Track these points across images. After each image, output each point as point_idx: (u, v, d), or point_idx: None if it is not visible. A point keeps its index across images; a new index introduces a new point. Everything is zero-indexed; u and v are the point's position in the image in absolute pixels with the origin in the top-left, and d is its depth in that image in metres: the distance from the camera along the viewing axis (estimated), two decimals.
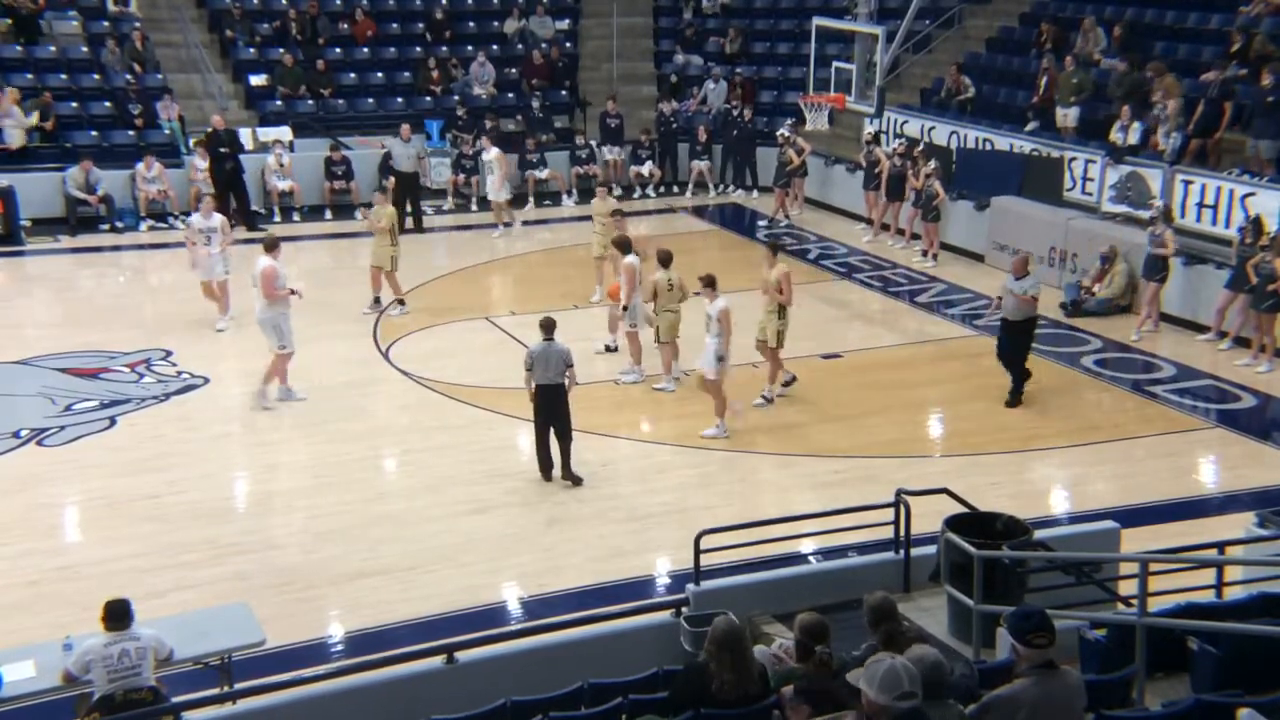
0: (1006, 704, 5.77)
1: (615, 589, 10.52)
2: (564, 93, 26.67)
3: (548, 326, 12.47)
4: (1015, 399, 14.48)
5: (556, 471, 12.51)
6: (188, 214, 22.22)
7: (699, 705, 6.63)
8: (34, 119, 22.12)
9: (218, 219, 17.17)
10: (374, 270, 17.56)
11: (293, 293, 14.58)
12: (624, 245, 15.37)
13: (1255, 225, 16.08)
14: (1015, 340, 14.42)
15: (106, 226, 21.65)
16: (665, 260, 14.93)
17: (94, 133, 22.91)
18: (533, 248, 21.91)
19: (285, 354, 14.35)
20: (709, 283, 13.82)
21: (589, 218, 17.85)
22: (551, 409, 12.39)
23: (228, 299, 16.98)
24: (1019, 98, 22.48)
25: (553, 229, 22.95)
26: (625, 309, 15.10)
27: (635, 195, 24.77)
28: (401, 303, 17.68)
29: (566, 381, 12.36)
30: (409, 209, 22.38)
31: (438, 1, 27.33)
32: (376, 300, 17.68)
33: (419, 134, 23.96)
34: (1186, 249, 17.32)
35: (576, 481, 12.45)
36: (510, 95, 26.00)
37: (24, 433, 13.63)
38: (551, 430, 12.45)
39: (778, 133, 23.64)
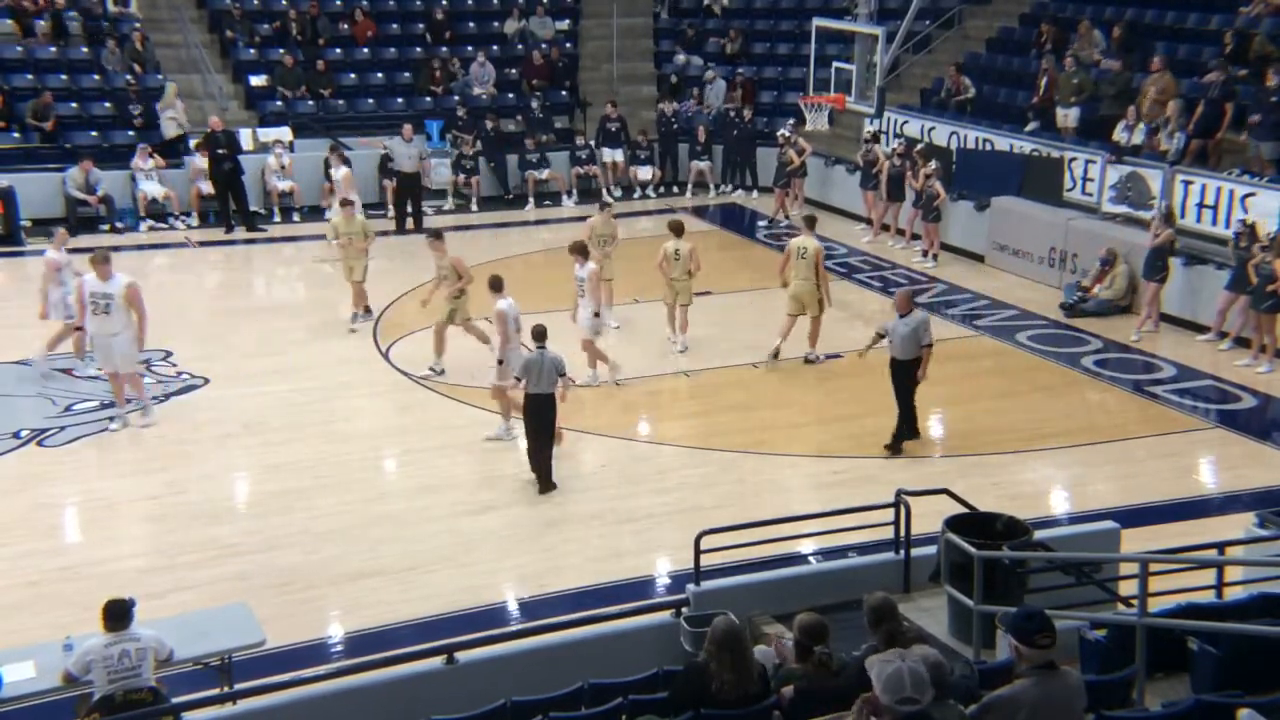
0: (1007, 704, 5.77)
1: (615, 589, 10.52)
2: (564, 93, 26.67)
3: (540, 335, 12.33)
4: (897, 442, 13.20)
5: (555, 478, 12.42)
6: (187, 214, 22.40)
7: (699, 705, 6.63)
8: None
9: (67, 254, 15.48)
10: (358, 285, 17.15)
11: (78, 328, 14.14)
12: (584, 251, 15.04)
13: (1251, 231, 16.09)
14: (901, 380, 13.19)
15: (106, 227, 21.66)
16: (678, 230, 15.98)
17: (94, 133, 22.91)
18: (533, 248, 21.92)
19: (115, 374, 13.70)
20: (495, 286, 13.55)
21: (589, 218, 17.78)
22: (544, 418, 12.24)
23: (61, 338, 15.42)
24: (1019, 98, 22.47)
25: (553, 229, 22.95)
26: (597, 314, 14.93)
27: (635, 196, 24.77)
28: (368, 311, 17.39)
29: (559, 390, 12.22)
30: (409, 209, 22.43)
31: (438, 2, 27.33)
32: (367, 310, 17.42)
33: (419, 134, 24.00)
34: (1187, 249, 17.32)
35: (551, 487, 12.33)
36: (510, 95, 26.00)
37: (24, 433, 13.63)
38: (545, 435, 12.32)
39: (778, 133, 23.66)
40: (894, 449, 13.18)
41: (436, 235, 15.85)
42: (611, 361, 15.17)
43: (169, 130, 22.94)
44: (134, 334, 13.60)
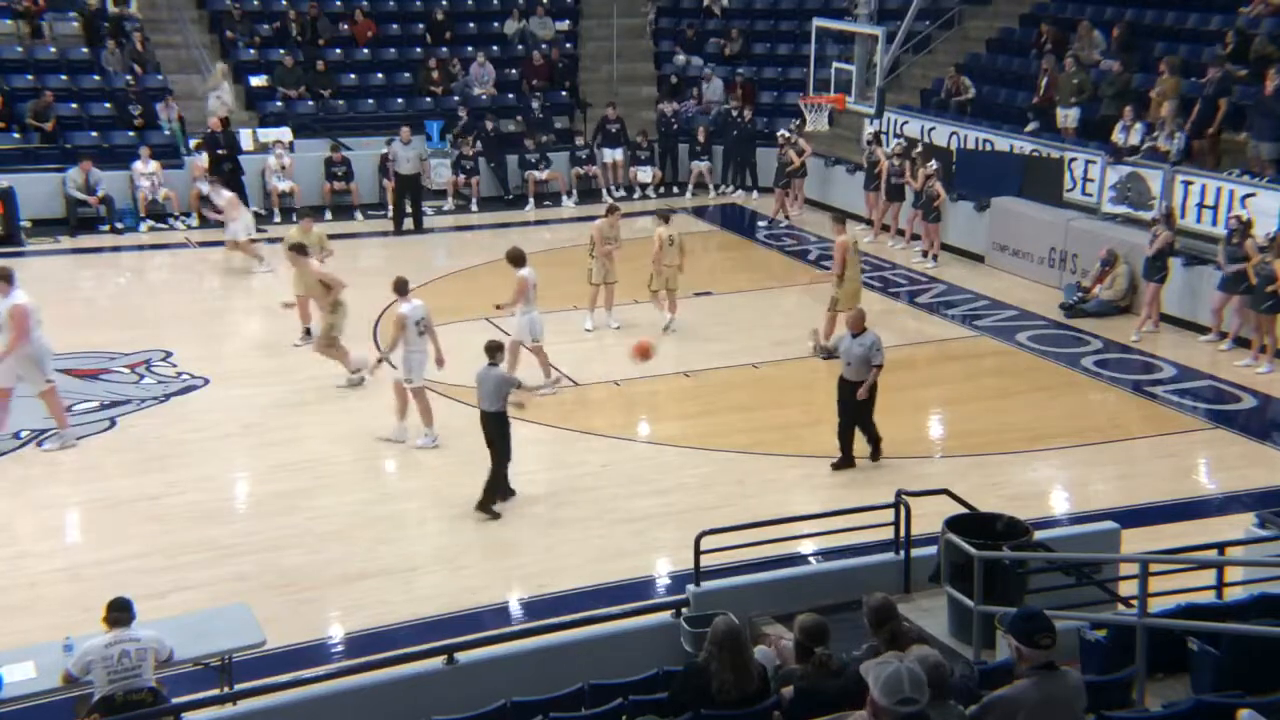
0: (1007, 705, 5.76)
1: (615, 590, 10.51)
2: (564, 93, 26.67)
3: (491, 350, 11.86)
4: (876, 453, 12.90)
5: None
6: (188, 215, 22.40)
7: (699, 706, 6.63)
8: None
9: None
10: (303, 300, 16.10)
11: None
12: (519, 259, 14.67)
13: (1244, 227, 16.08)
14: (854, 402, 12.62)
15: (106, 227, 21.67)
16: (667, 217, 16.86)
17: (94, 133, 22.92)
18: (533, 248, 21.83)
19: (52, 387, 13.19)
20: (400, 289, 13.46)
21: (589, 218, 17.73)
22: (487, 435, 11.81)
23: None
24: (1019, 98, 22.49)
25: (553, 229, 22.97)
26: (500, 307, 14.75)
27: (635, 196, 24.77)
28: (309, 330, 16.28)
29: (507, 407, 11.70)
30: (409, 210, 22.40)
31: (438, 2, 27.33)
32: (308, 331, 16.28)
33: (418, 135, 24.05)
34: (1187, 249, 17.32)
35: (488, 509, 11.80)
36: (510, 96, 26.00)
37: (24, 434, 13.63)
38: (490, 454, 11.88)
39: (779, 134, 23.66)
40: (875, 456, 12.90)
41: (300, 250, 15.21)
42: (525, 382, 14.88)
43: (217, 111, 23.21)
44: (16, 354, 12.91)
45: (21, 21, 24.17)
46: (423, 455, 13.27)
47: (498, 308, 14.97)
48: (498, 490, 11.89)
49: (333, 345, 14.88)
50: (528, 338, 14.67)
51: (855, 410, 12.64)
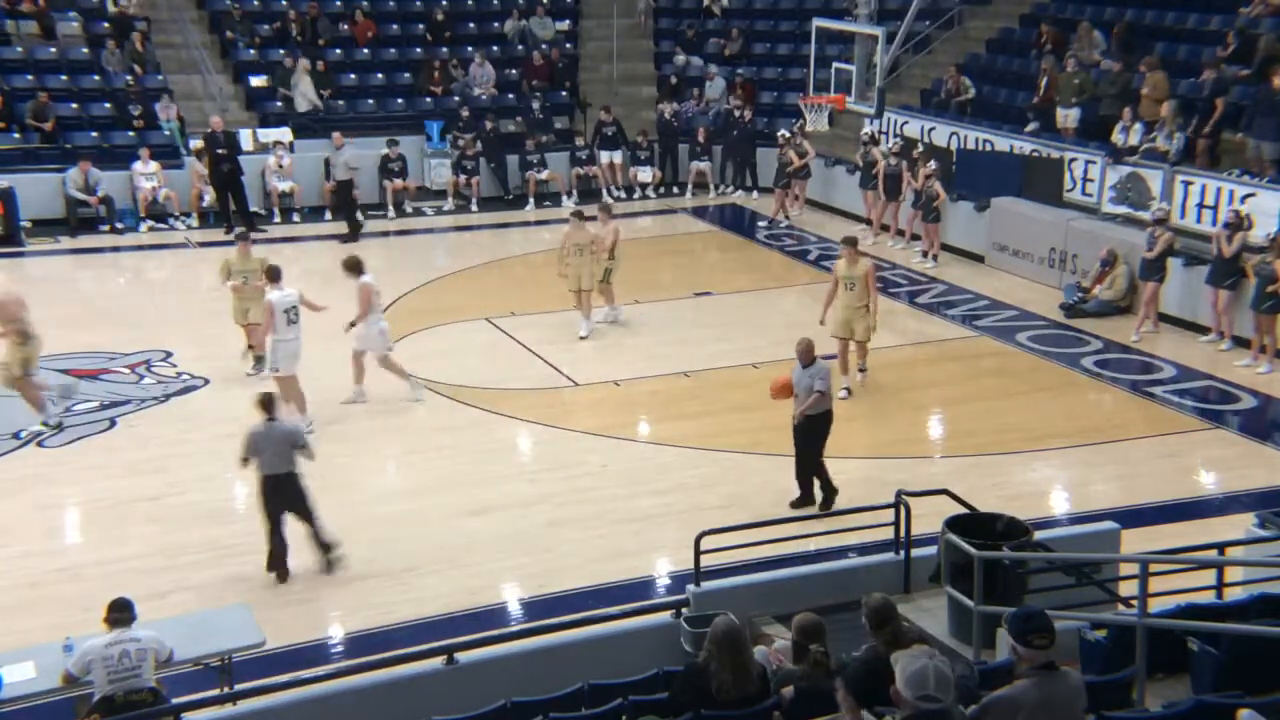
0: (1006, 705, 5.76)
1: (615, 590, 10.52)
2: (564, 94, 26.67)
3: (267, 404, 10.63)
4: (828, 499, 11.89)
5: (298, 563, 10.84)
6: (188, 215, 22.39)
7: (699, 706, 6.63)
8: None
9: None
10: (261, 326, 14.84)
11: None
12: (356, 267, 14.38)
13: (1241, 221, 16.07)
14: (806, 437, 11.85)
15: (106, 227, 21.66)
16: (610, 211, 17.51)
17: (94, 134, 22.91)
18: (533, 248, 21.91)
19: None
20: (272, 276, 13.36)
21: (589, 219, 17.71)
22: (285, 499, 10.57)
23: None
24: (1019, 99, 22.48)
25: (553, 230, 22.94)
26: (353, 324, 14.20)
27: (635, 196, 24.78)
28: (260, 358, 15.01)
29: (298, 464, 10.59)
30: (346, 215, 21.92)
31: (438, 2, 27.33)
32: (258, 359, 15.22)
33: (419, 135, 24.04)
34: (1187, 249, 17.32)
35: (332, 563, 10.83)
36: (510, 96, 26.00)
37: (24, 434, 13.62)
38: (292, 517, 10.70)
39: (779, 134, 23.66)
40: (826, 505, 11.92)
41: None
42: (409, 380, 14.62)
43: (300, 105, 23.79)
44: None
45: (30, 23, 24.12)
46: (425, 456, 13.26)
47: (352, 324, 14.23)
48: (327, 546, 10.85)
49: (22, 382, 13.68)
50: (379, 347, 14.34)
51: (805, 447, 11.87)
